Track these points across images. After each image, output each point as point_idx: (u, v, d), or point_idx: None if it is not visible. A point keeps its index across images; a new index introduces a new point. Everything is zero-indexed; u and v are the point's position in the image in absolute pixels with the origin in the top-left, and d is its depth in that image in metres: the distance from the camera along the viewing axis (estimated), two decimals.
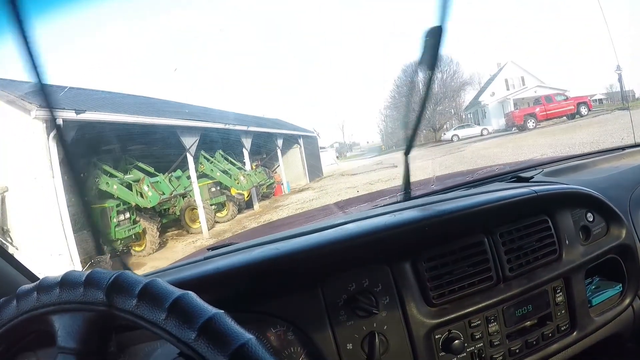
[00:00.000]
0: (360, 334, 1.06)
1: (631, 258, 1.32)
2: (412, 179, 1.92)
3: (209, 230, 13.61)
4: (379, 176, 17.68)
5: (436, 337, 1.11)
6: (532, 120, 23.92)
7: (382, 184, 13.93)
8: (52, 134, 8.95)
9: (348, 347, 1.06)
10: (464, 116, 38.59)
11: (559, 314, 1.21)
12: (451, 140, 30.82)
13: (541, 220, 1.22)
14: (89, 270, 0.59)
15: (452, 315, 1.11)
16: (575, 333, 1.22)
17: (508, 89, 33.08)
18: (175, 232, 14.88)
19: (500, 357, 1.14)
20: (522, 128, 23.74)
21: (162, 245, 12.95)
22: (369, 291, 1.07)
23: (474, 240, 1.15)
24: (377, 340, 1.05)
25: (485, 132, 30.41)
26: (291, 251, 1.12)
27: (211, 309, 0.53)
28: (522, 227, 1.20)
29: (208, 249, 1.51)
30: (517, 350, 1.16)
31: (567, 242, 1.23)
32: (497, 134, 27.81)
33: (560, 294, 1.21)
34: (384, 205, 1.64)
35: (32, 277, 1.13)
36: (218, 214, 15.15)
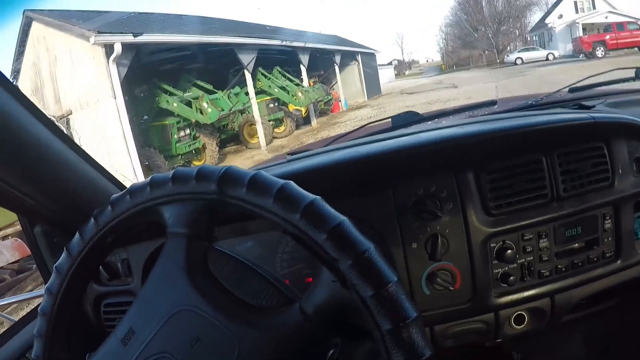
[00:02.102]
0: (424, 234, 1.13)
1: None
2: (474, 101, 1.92)
3: (267, 145, 13.88)
4: (438, 96, 17.06)
5: (491, 245, 1.17)
6: (601, 48, 22.41)
7: (440, 104, 13.45)
8: (111, 57, 9.20)
9: (413, 246, 1.14)
10: (528, 38, 35.71)
11: (605, 240, 1.24)
12: (514, 63, 29.20)
13: (597, 147, 1.23)
14: (198, 167, 0.67)
15: (508, 226, 1.16)
16: (619, 262, 1.26)
17: (577, 12, 30.25)
18: (234, 147, 15.29)
19: (547, 273, 1.19)
20: (590, 56, 22.34)
21: (221, 160, 13.36)
22: (435, 196, 1.14)
23: (533, 158, 1.18)
24: (439, 241, 1.12)
25: (550, 56, 28.83)
26: (369, 154, 1.22)
27: (311, 195, 0.61)
28: (579, 151, 1.22)
29: (288, 154, 1.59)
30: (563, 269, 1.20)
31: (620, 171, 1.25)
32: (563, 59, 26.09)
33: (609, 221, 1.24)
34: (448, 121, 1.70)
35: (121, 186, 1.21)
36: (276, 130, 15.37)
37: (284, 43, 15.26)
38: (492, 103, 1.76)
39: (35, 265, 6.66)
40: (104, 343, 0.72)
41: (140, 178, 9.61)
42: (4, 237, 7.94)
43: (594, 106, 1.52)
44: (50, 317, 0.77)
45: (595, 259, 1.22)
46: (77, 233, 0.76)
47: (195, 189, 0.67)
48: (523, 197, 1.16)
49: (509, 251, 1.15)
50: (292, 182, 0.63)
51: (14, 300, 2.55)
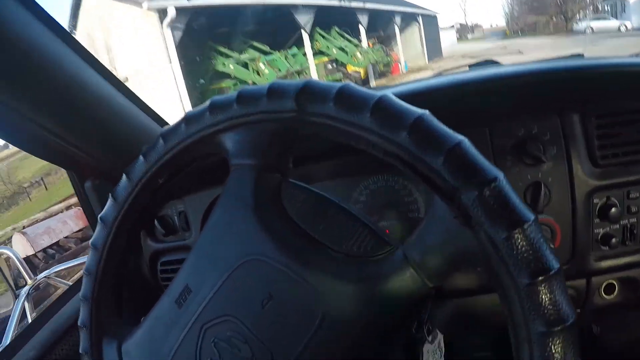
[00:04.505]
0: (524, 182, 1.00)
1: None
2: None
3: None
4: (502, 62, 16.42)
5: (594, 201, 1.03)
6: None
7: None
8: (165, 22, 9.11)
9: None
10: (600, 7, 33.71)
11: None
12: (584, 32, 27.46)
13: None
14: (269, 82, 0.53)
15: (614, 180, 1.02)
16: None
17: None
18: None
19: None
20: None
21: None
22: (538, 139, 0.99)
23: None
24: (542, 191, 0.99)
25: (623, 28, 27.09)
26: (469, 80, 1.06)
27: (418, 109, 0.47)
28: None
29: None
30: None
31: None
32: (636, 32, 24.59)
33: None
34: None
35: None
36: None
37: (342, 3, 14.81)
38: (579, 56, 1.49)
39: None
40: (156, 305, 0.59)
41: None
42: (68, 207, 8.35)
43: None
44: (96, 276, 0.65)
45: None
46: (124, 175, 0.63)
47: (267, 108, 0.52)
48: (632, 149, 1.00)
49: (614, 209, 1.00)
50: (390, 94, 0.48)
51: (67, 266, 2.53)
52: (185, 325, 0.55)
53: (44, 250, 6.69)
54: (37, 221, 7.84)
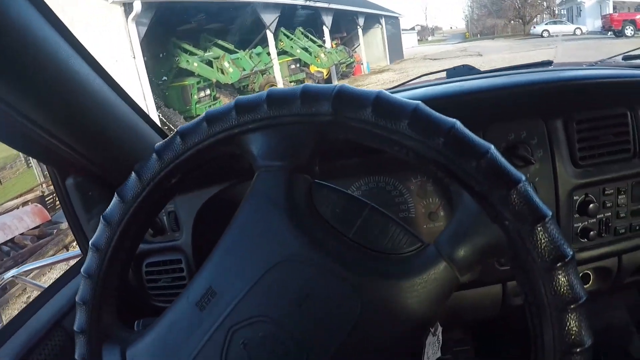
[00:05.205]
0: None
1: None
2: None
3: None
4: (462, 63, 16.77)
5: (574, 198, 1.13)
6: (631, 28, 22.08)
7: None
8: (130, 16, 8.90)
9: None
10: (556, 11, 35.17)
11: None
12: (541, 35, 28.84)
13: None
14: (301, 85, 0.54)
15: (592, 179, 1.13)
16: None
17: None
18: None
19: (623, 230, 1.16)
20: (619, 34, 22.04)
21: None
22: (526, 142, 1.08)
23: (618, 112, 1.13)
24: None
25: (578, 31, 28.44)
26: (467, 90, 1.16)
27: (450, 119, 0.51)
28: None
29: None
30: (638, 228, 1.17)
31: None
32: (591, 35, 25.75)
33: None
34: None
35: (165, 136, 1.06)
36: None
37: (307, 3, 14.81)
38: (548, 63, 1.68)
39: (56, 230, 6.75)
40: (170, 308, 0.58)
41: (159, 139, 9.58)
42: (24, 203, 7.99)
43: None
44: (97, 279, 0.62)
45: None
46: (133, 173, 0.60)
47: (302, 111, 0.53)
48: (607, 150, 1.13)
49: (592, 205, 1.11)
50: (422, 103, 0.51)
51: (37, 265, 2.41)
52: (208, 328, 0.53)
53: None
54: None
